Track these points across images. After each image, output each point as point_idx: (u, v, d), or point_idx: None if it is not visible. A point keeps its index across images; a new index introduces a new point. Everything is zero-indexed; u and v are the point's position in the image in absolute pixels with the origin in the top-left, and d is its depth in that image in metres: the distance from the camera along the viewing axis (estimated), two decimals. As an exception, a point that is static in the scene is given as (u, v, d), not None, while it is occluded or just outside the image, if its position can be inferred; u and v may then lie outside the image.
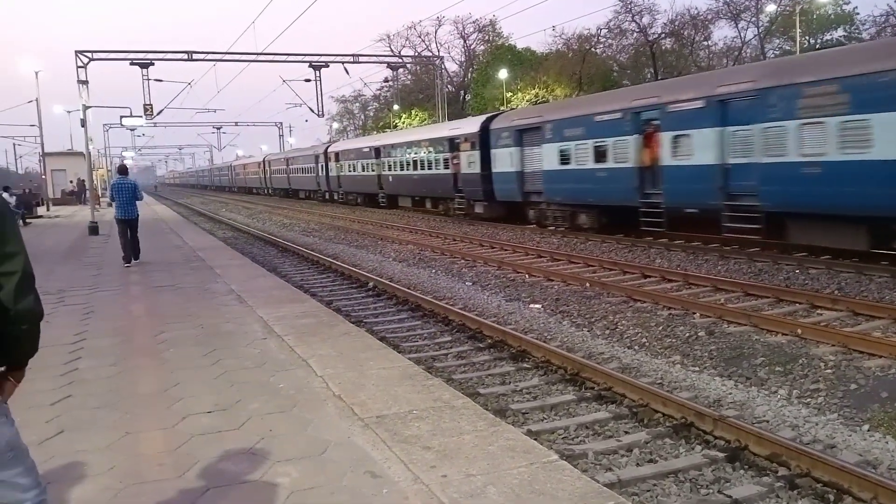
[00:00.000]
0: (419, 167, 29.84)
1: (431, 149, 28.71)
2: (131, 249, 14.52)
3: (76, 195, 48.33)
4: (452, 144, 26.79)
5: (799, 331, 8.50)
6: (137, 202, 14.70)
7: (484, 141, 24.35)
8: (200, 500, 3.70)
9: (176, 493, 3.80)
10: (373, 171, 35.73)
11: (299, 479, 3.89)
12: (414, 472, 3.88)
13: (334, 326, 7.85)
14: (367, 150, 36.42)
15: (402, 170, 31.92)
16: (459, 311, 10.54)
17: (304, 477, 3.93)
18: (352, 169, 39.28)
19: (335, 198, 43.70)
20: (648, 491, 4.94)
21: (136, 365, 6.56)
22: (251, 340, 7.27)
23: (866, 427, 5.99)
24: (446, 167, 27.27)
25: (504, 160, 23.10)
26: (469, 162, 25.38)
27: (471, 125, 26.31)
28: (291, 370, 6.09)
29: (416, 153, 30.23)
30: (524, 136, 22.21)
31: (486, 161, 24.19)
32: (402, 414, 4.82)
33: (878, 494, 4.52)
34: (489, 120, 24.84)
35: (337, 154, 42.15)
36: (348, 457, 4.17)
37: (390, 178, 33.58)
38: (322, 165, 44.86)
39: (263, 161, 64.73)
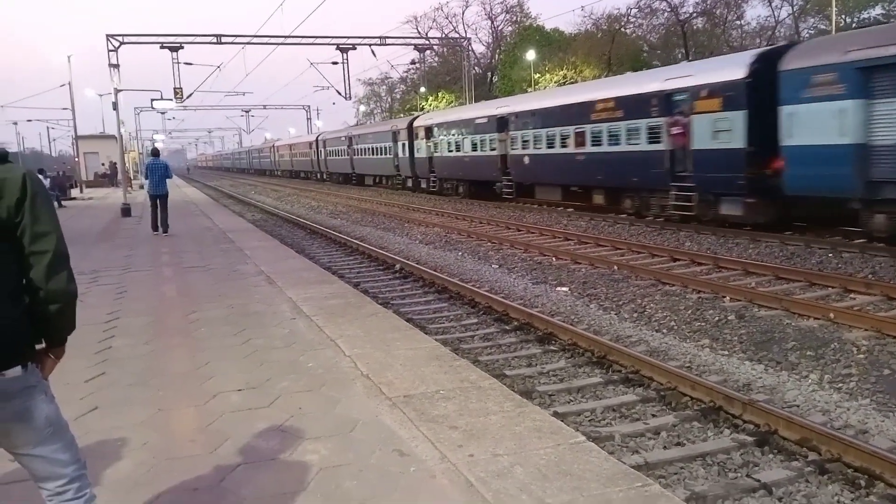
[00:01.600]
0: (589, 142, 20.19)
1: (620, 113, 18.85)
2: (161, 221, 16.79)
3: (108, 178, 49.06)
4: (669, 104, 17.08)
5: (831, 315, 8.37)
6: (168, 180, 17.20)
7: (755, 93, 14.74)
8: (231, 476, 3.77)
9: (208, 468, 3.87)
10: (492, 149, 26.28)
11: (328, 457, 3.95)
12: (441, 451, 3.91)
13: (362, 307, 7.91)
14: (485, 121, 27.01)
15: (550, 147, 22.37)
16: (486, 293, 10.54)
17: (333, 454, 3.98)
18: (454, 148, 29.68)
19: (424, 185, 33.92)
20: (676, 474, 4.92)
21: (168, 344, 6.67)
22: (280, 321, 7.36)
23: (900, 413, 5.89)
24: (653, 141, 17.56)
25: (819, 125, 13.39)
26: (714, 130, 15.68)
27: (721, 68, 16.18)
28: (320, 350, 6.15)
29: (583, 122, 20.45)
30: (877, 77, 12.45)
31: (757, 127, 14.72)
32: (429, 394, 4.85)
33: (911, 480, 4.44)
34: (769, 58, 14.98)
35: (429, 129, 32.22)
36: (376, 435, 4.22)
37: (525, 160, 24.00)
38: (403, 144, 35.32)
39: (316, 140, 54.50)
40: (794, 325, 8.34)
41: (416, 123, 34.38)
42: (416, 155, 34.00)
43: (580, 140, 20.81)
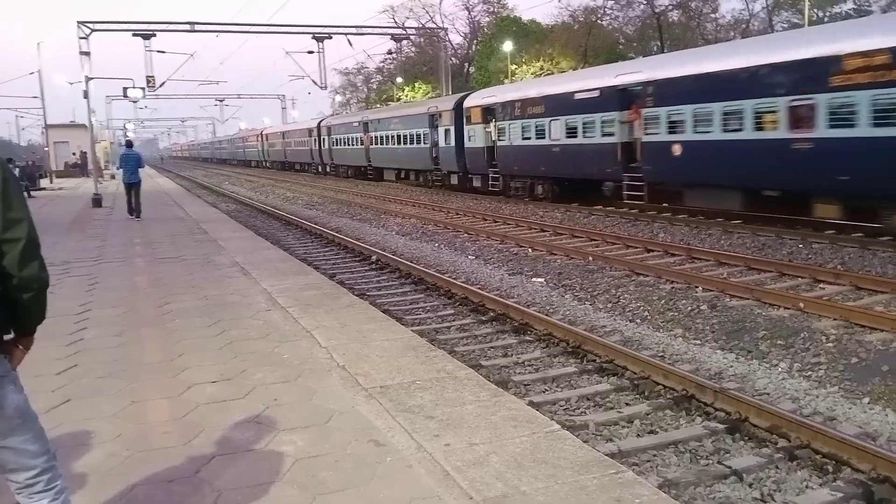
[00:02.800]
0: (822, 122, 12.84)
1: None
2: (135, 207, 18.10)
3: (79, 167, 48.25)
4: None
5: (801, 305, 8.52)
6: (140, 170, 18.53)
7: None
8: (207, 467, 3.75)
9: (182, 459, 3.85)
10: (606, 135, 18.58)
11: (304, 448, 3.94)
12: (417, 441, 3.92)
13: (338, 299, 7.88)
14: (594, 94, 19.13)
15: (730, 129, 14.85)
16: (462, 284, 10.57)
17: (309, 445, 3.97)
18: (534, 134, 21.88)
19: (478, 184, 26.05)
20: (648, 461, 4.99)
21: (141, 335, 6.60)
22: (255, 312, 7.31)
23: (866, 400, 6.03)
24: None
25: None
26: None
27: None
28: (296, 341, 6.13)
29: (810, 89, 13.03)
30: None
31: None
32: (405, 384, 4.86)
33: (876, 465, 4.56)
34: None
35: (489, 109, 24.53)
36: (352, 426, 4.22)
37: (675, 150, 16.28)
38: (447, 130, 27.36)
39: (318, 127, 46.63)
40: (764, 314, 8.47)
41: (468, 103, 26.25)
42: (469, 144, 25.94)
43: (803, 119, 13.30)
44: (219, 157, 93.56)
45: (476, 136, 25.48)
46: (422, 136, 29.97)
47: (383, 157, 35.42)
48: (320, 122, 47.82)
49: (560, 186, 21.73)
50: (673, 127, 16.48)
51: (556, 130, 20.87)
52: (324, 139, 45.36)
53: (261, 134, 66.38)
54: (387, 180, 36.04)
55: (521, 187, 23.41)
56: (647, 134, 17.21)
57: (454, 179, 28.01)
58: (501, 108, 23.89)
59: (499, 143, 24.09)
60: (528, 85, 25.58)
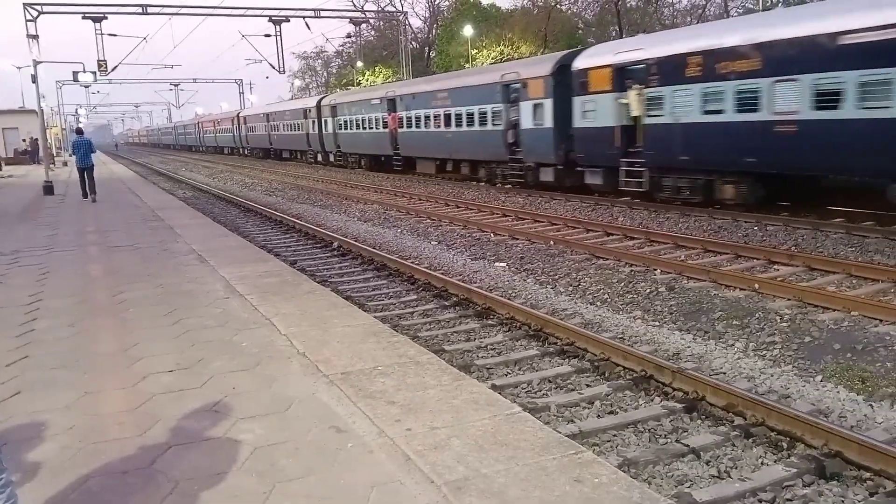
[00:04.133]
0: None
1: None
2: (89, 189, 19.30)
3: (30, 154, 46.82)
4: None
5: (756, 286, 8.69)
6: (92, 154, 19.68)
7: None
8: (162, 458, 3.67)
9: (137, 450, 3.77)
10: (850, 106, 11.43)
11: (263, 436, 3.89)
12: (378, 427, 3.90)
13: (298, 285, 7.79)
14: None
15: None
16: (425, 270, 10.54)
17: (269, 433, 3.92)
18: (756, 103, 13.19)
19: (592, 181, 18.08)
20: (609, 441, 5.05)
21: (94, 325, 6.44)
22: (213, 300, 7.18)
23: (819, 378, 6.18)
24: None
25: None
26: None
27: None
28: (254, 329, 6.04)
29: None
30: None
31: None
32: (366, 370, 4.82)
33: (828, 441, 4.68)
34: None
35: (623, 70, 16.56)
36: (313, 413, 4.18)
37: None
38: (537, 106, 19.61)
39: (318, 106, 38.16)
40: (721, 295, 8.63)
41: (583, 63, 17.94)
42: (582, 123, 18.01)
43: None
44: (182, 144, 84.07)
45: (599, 111, 17.37)
46: (489, 115, 22.10)
47: (420, 144, 27.15)
48: (321, 99, 39.35)
49: (767, 186, 14.19)
50: None
51: (785, 97, 12.87)
52: (325, 121, 36.61)
53: (237, 116, 56.10)
54: (421, 173, 28.18)
55: (688, 187, 15.34)
56: None
57: (547, 174, 19.89)
58: (657, 66, 15.63)
59: (648, 121, 15.97)
60: (721, 28, 16.69)
